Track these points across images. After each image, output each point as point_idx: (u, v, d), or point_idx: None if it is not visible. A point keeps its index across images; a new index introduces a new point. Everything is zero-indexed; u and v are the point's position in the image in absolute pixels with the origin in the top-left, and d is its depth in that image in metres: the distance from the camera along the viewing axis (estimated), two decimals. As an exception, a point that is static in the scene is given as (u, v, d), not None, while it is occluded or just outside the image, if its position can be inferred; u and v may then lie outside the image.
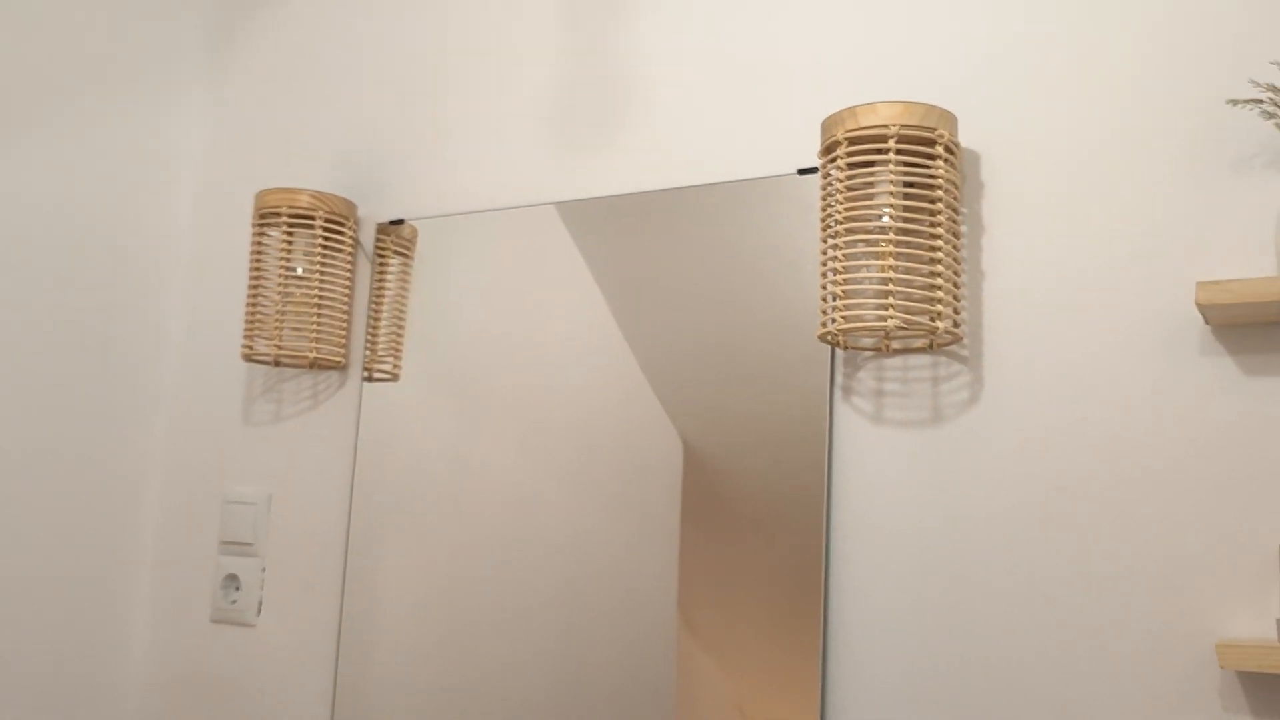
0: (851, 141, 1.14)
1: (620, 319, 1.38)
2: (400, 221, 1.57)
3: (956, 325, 1.14)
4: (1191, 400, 1.05)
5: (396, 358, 1.54)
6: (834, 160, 1.15)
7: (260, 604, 1.59)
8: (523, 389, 1.43)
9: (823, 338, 1.17)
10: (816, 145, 1.28)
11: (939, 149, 1.12)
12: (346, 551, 1.52)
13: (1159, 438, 1.06)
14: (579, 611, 1.34)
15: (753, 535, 1.24)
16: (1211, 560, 1.01)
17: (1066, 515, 1.08)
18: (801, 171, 1.28)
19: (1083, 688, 1.05)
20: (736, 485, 1.26)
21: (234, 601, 1.61)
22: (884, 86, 1.25)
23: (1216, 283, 0.98)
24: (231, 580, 1.61)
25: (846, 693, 1.16)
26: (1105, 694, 1.04)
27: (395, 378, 1.54)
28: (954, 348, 1.18)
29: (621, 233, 1.40)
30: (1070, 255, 1.13)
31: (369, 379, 1.56)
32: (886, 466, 1.18)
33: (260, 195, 1.55)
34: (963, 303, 1.17)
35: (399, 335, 1.55)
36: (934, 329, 1.11)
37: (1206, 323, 1.06)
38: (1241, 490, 1.01)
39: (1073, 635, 1.06)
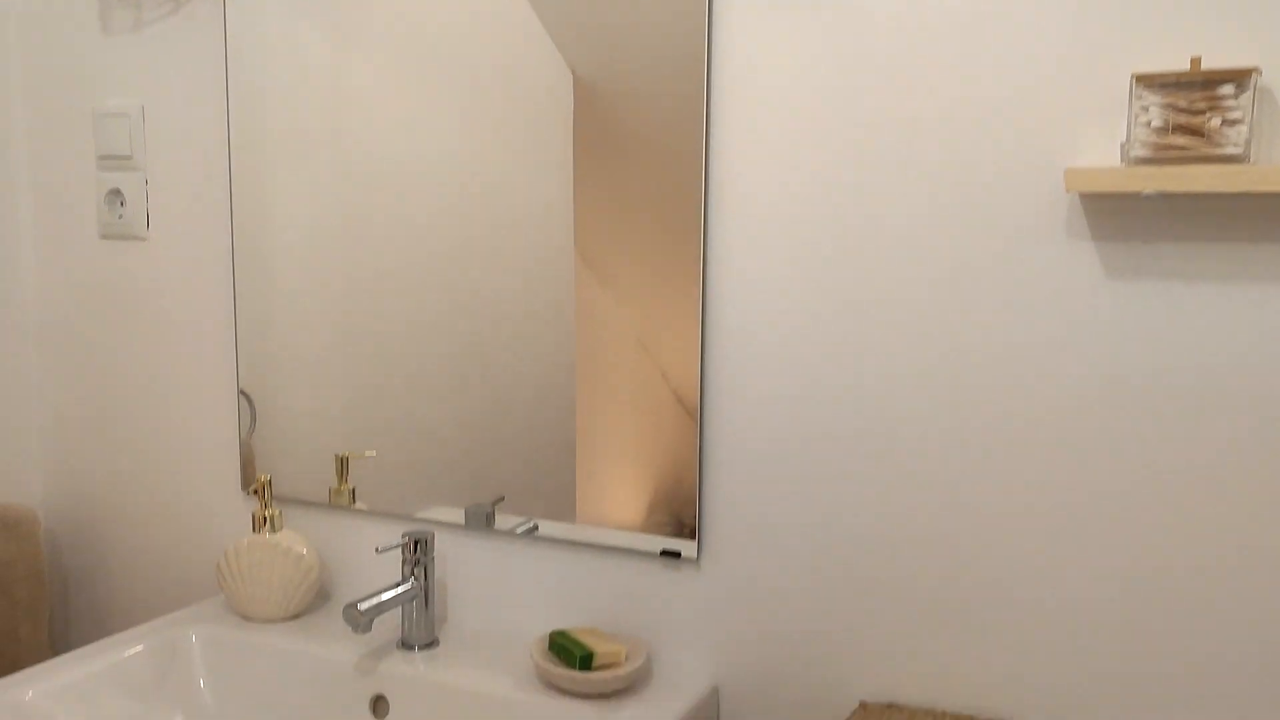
0: None
1: (493, -108, 1.30)
2: None
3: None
4: (1062, -60, 1.06)
5: (261, -42, 1.45)
6: None
7: (148, 217, 1.58)
8: (396, 7, 1.37)
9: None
10: None
11: None
12: (230, 163, 1.50)
13: (1028, -20, 1.07)
14: (477, 247, 1.36)
15: (642, 163, 1.24)
16: (1067, 95, 1.06)
17: (931, 67, 1.11)
18: None
19: (942, 232, 1.12)
20: (624, 110, 1.25)
21: (121, 216, 1.59)
22: None
23: None
24: (115, 195, 1.59)
25: (726, 319, 1.22)
26: (960, 230, 1.11)
27: (262, -22, 1.46)
28: (835, -98, 1.15)
29: None
30: None
31: (233, -20, 1.47)
32: (764, 46, 1.18)
33: None
34: None
35: (261, -69, 1.45)
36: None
37: None
38: (1096, 26, 1.04)
39: (934, 180, 1.12)
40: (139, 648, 1.34)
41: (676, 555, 1.28)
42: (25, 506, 1.61)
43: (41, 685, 1.23)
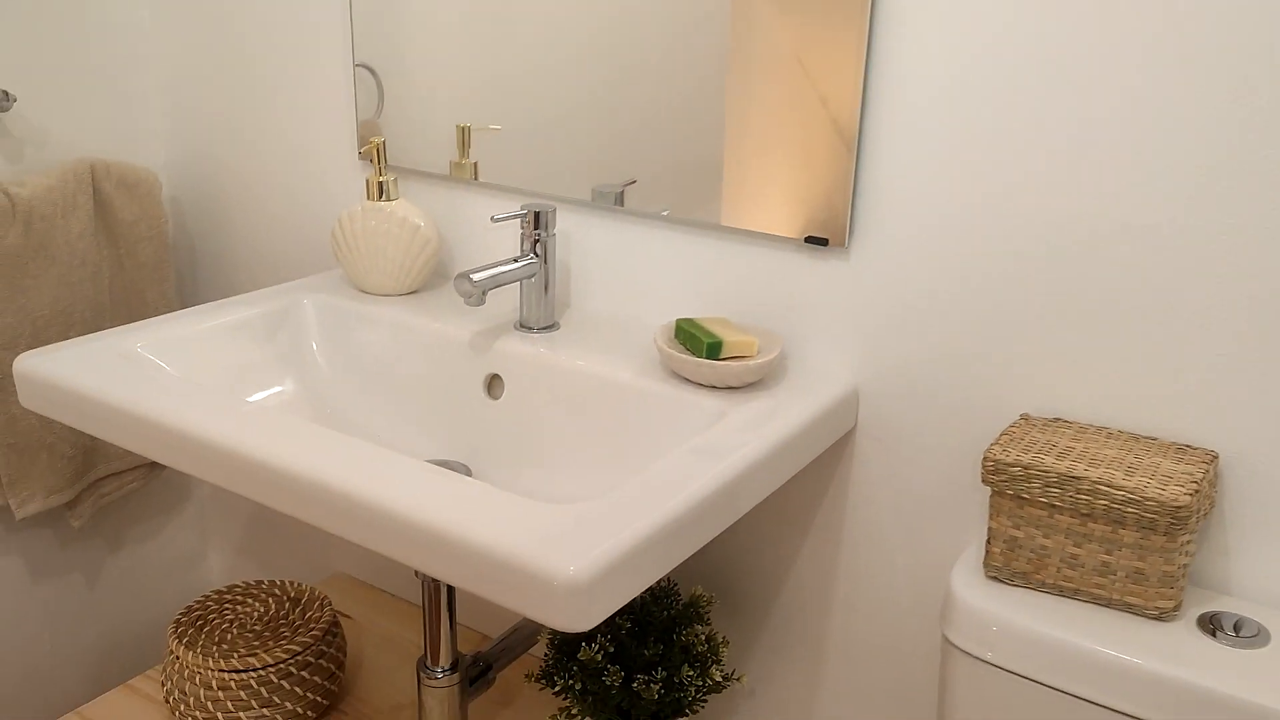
0: None
1: None
2: None
3: None
4: None
5: None
6: None
7: None
8: None
9: None
10: None
11: None
12: None
13: None
14: None
15: None
16: None
17: None
18: None
19: None
20: None
21: None
22: None
23: None
24: None
25: (894, 35, 0.99)
26: None
27: None
28: None
29: None
30: None
31: None
32: None
33: None
34: None
35: None
36: None
37: None
38: None
39: None
40: (253, 310, 1.29)
41: (823, 243, 1.12)
42: (145, 167, 1.55)
43: (152, 337, 1.19)
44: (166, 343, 1.20)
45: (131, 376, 1.08)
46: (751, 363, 1.08)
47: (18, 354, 1.36)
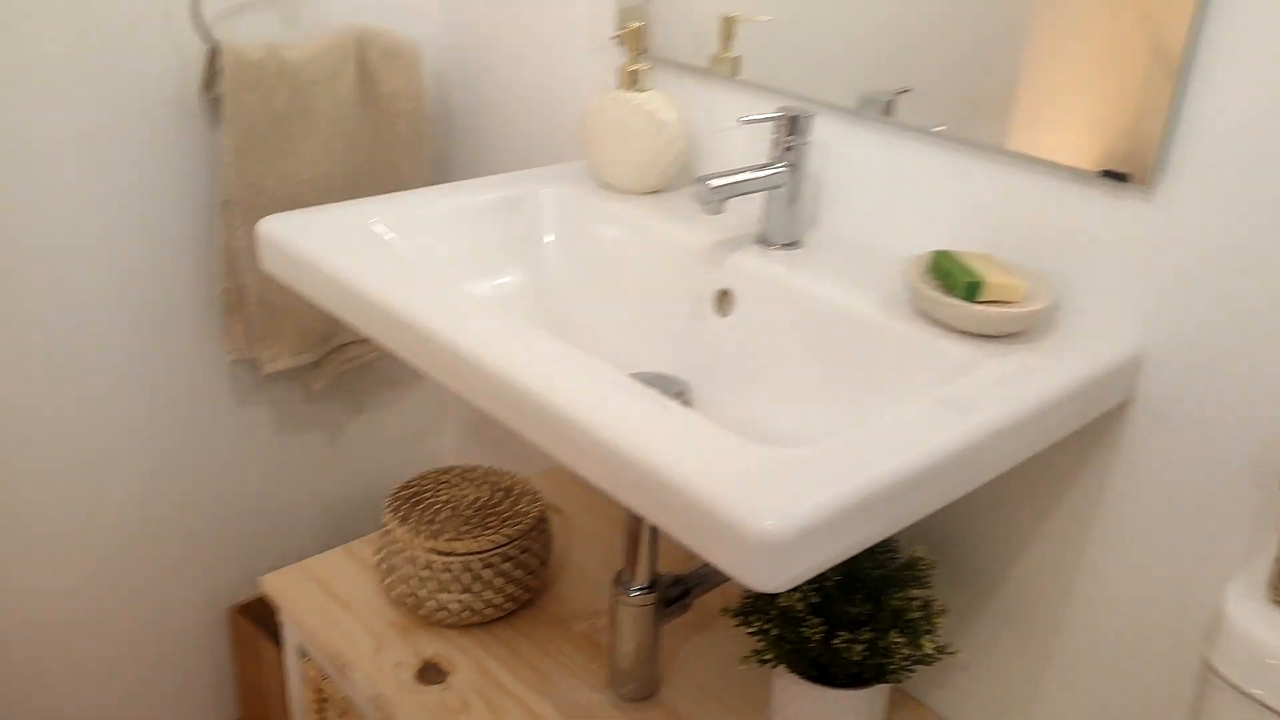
0: None
1: None
2: None
3: None
4: None
5: None
6: None
7: None
8: None
9: None
10: None
11: None
12: None
13: None
14: None
15: None
16: None
17: None
18: None
19: None
20: None
21: None
22: None
23: None
24: None
25: None
26: None
27: None
28: None
29: None
30: None
31: None
32: None
33: None
34: None
35: None
36: None
37: None
38: None
39: None
40: (492, 195, 1.26)
41: (1122, 178, 0.95)
42: (407, 39, 1.54)
43: (389, 213, 1.17)
44: (403, 220, 1.18)
45: (358, 251, 1.07)
46: (1015, 310, 0.94)
47: (273, 216, 1.39)
